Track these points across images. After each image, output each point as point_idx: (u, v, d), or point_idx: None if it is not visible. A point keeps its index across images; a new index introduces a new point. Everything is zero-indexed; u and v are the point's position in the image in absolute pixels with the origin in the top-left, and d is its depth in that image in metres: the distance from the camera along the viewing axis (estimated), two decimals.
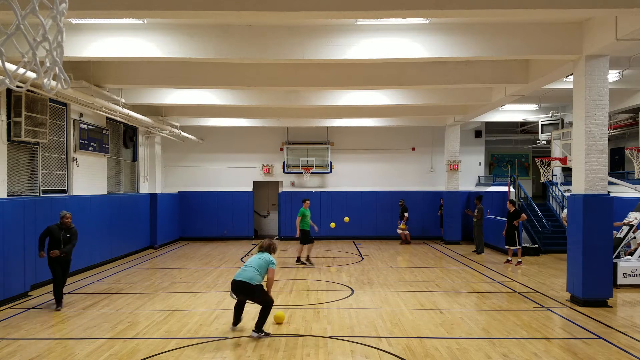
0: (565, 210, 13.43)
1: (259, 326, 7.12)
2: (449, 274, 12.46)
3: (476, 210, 16.11)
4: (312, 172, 20.28)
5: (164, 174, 20.12)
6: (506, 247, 14.13)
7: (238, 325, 7.60)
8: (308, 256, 14.02)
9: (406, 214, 18.80)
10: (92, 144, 13.31)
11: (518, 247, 13.86)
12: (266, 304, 7.16)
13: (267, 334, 7.14)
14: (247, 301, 7.44)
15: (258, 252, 7.54)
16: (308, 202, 14.39)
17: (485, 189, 19.47)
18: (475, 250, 16.29)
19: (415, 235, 19.97)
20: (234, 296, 7.57)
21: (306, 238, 13.85)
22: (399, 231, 19.10)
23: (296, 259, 14.15)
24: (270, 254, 7.52)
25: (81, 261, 12.57)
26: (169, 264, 14.26)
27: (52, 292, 9.01)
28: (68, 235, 9.04)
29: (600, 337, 7.13)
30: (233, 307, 7.59)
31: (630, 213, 11.55)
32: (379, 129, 20.24)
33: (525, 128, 20.97)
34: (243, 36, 8.86)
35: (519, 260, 13.76)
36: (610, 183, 11.33)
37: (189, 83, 11.44)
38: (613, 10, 7.00)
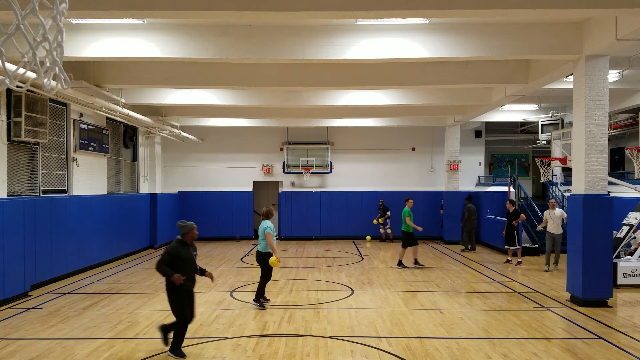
0: (546, 213, 13.10)
1: (258, 296, 8.85)
2: (449, 274, 12.46)
3: (464, 210, 16.83)
4: (312, 172, 20.27)
5: (164, 174, 20.12)
6: (506, 247, 14.13)
7: (238, 326, 7.59)
8: (416, 259, 13.37)
9: (388, 213, 19.10)
10: (92, 144, 13.31)
11: (518, 247, 13.86)
12: (265, 275, 8.83)
13: (267, 300, 9.02)
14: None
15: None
16: (411, 201, 13.60)
17: (485, 189, 19.48)
18: (465, 249, 16.95)
19: (415, 235, 19.93)
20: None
21: (411, 240, 13.26)
22: (381, 230, 19.42)
23: (397, 262, 13.47)
24: (268, 219, 8.86)
25: (81, 261, 12.58)
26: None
27: (173, 340, 6.34)
28: (195, 253, 6.68)
29: (600, 337, 7.13)
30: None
31: (630, 213, 11.55)
32: (379, 129, 20.24)
33: (525, 128, 20.97)
34: (243, 36, 8.86)
35: (519, 260, 13.77)
36: (610, 183, 11.32)
37: (189, 83, 11.44)
38: (613, 10, 7.00)
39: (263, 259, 8.76)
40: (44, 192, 11.40)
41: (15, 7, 2.29)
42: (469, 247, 16.83)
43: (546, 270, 12.65)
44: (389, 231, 19.44)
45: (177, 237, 6.49)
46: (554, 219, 12.79)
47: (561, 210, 12.95)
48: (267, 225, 8.70)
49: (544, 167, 15.39)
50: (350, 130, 20.37)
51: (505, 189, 17.25)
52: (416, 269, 13.08)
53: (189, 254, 6.41)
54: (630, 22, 7.51)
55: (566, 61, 9.46)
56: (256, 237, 21.12)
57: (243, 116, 16.98)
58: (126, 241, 15.45)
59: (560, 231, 12.74)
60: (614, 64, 10.50)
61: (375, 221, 19.44)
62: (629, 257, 10.86)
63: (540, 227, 13.61)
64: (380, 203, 19.55)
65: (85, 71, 11.03)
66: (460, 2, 6.67)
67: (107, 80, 11.38)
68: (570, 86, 9.74)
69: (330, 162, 20.42)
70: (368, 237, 19.91)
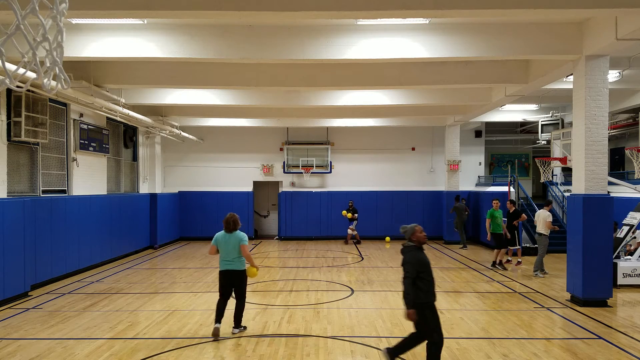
0: (538, 213, 12.63)
1: (239, 322, 7.33)
2: (449, 274, 12.46)
3: (451, 209, 17.80)
4: (312, 172, 20.27)
5: (164, 174, 20.12)
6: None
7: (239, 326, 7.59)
8: (501, 261, 13.15)
9: (356, 215, 18.76)
10: (92, 144, 13.31)
11: (518, 247, 13.85)
12: (244, 296, 7.33)
13: (245, 328, 7.46)
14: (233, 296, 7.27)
15: (225, 232, 7.25)
16: (497, 202, 13.39)
17: (485, 189, 19.48)
18: (463, 247, 17.63)
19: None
20: (221, 290, 7.26)
21: (500, 241, 13.11)
22: (349, 232, 18.98)
23: (492, 263, 13.30)
24: (236, 229, 7.30)
25: (81, 261, 12.58)
26: (169, 264, 14.26)
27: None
28: None
29: (600, 337, 7.13)
30: (216, 306, 7.21)
31: (630, 213, 11.55)
32: (379, 129, 20.24)
33: (525, 128, 20.97)
34: (243, 36, 8.86)
35: (519, 260, 13.76)
36: (610, 183, 11.32)
37: (189, 83, 11.44)
38: (613, 10, 7.00)
39: (242, 277, 7.26)
40: (44, 192, 11.41)
41: (15, 7, 2.29)
42: (464, 244, 17.71)
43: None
44: (354, 232, 18.95)
45: (406, 244, 5.83)
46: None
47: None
48: (244, 237, 7.25)
49: (544, 167, 15.40)
50: (350, 130, 20.36)
51: (505, 189, 17.25)
52: (497, 270, 12.95)
53: (428, 259, 5.70)
54: (630, 22, 7.51)
55: (566, 61, 9.46)
56: (256, 237, 21.45)
57: (243, 116, 16.99)
58: (126, 241, 15.45)
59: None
60: (614, 64, 10.50)
61: (344, 212, 18.90)
62: (629, 257, 10.86)
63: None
64: (350, 204, 18.98)
65: (85, 71, 11.03)
66: (460, 2, 6.67)
67: (107, 80, 11.38)
68: (570, 86, 9.74)
69: (330, 162, 20.42)
70: (387, 238, 19.76)
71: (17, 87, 2.96)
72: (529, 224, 16.35)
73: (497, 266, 13.16)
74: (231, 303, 7.32)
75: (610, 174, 12.22)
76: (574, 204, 9.16)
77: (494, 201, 13.43)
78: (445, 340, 6.95)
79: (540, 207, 15.94)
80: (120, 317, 8.30)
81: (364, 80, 11.20)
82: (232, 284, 7.20)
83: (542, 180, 16.47)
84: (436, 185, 20.60)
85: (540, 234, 12.13)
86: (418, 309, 5.43)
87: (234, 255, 7.12)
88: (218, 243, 7.28)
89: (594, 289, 8.89)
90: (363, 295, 9.93)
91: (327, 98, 14.03)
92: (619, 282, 10.43)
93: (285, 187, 20.83)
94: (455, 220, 17.90)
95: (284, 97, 14.03)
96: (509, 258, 13.97)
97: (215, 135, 20.42)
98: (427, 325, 5.41)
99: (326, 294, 10.11)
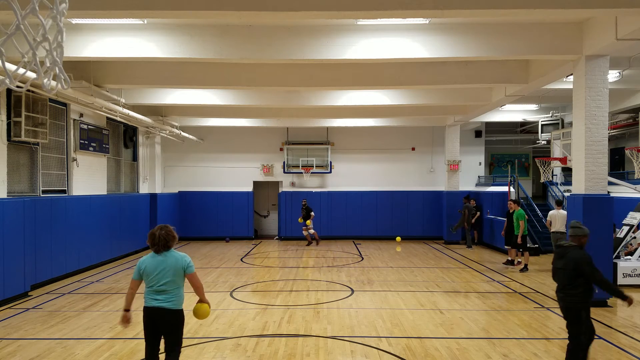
0: (551, 213, 13.17)
1: None
2: (449, 274, 12.46)
3: (464, 209, 17.79)
4: (312, 172, 20.27)
5: (164, 174, 20.12)
6: (506, 247, 14.11)
7: (238, 326, 7.58)
8: (512, 260, 13.30)
9: (312, 214, 18.40)
10: (92, 144, 13.31)
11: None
12: (178, 346, 4.96)
13: None
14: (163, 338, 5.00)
15: (153, 252, 5.10)
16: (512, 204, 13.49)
17: (485, 189, 19.48)
18: (469, 246, 17.69)
19: (415, 236, 20.00)
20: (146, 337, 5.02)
21: (525, 243, 13.12)
22: (304, 232, 18.61)
23: (510, 262, 13.50)
24: (173, 248, 5.05)
25: (81, 261, 12.58)
26: None
27: None
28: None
29: (600, 337, 7.13)
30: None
31: (630, 213, 11.55)
32: (379, 129, 20.24)
33: (525, 128, 20.97)
34: (243, 36, 8.86)
35: (519, 260, 13.74)
36: (610, 183, 11.31)
37: (189, 83, 11.44)
38: (613, 10, 7.00)
39: (178, 320, 4.90)
40: (44, 192, 11.40)
41: (15, 7, 2.29)
42: (467, 244, 17.70)
43: None
44: (312, 231, 18.57)
45: (567, 243, 5.57)
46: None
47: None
48: (188, 262, 5.01)
49: (544, 167, 15.39)
50: (350, 130, 20.36)
51: (505, 189, 17.26)
52: (504, 267, 13.27)
53: None
54: (630, 22, 7.51)
55: (566, 61, 9.46)
56: (256, 237, 21.45)
57: (243, 116, 16.99)
58: (126, 241, 15.45)
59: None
60: (614, 64, 10.49)
61: (300, 220, 18.74)
62: (629, 257, 10.86)
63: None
64: (303, 203, 18.51)
65: (85, 71, 11.03)
66: (460, 2, 6.66)
67: (107, 80, 11.38)
68: (570, 86, 9.74)
69: (330, 162, 20.42)
70: (398, 238, 19.60)
71: (17, 87, 2.96)
72: (529, 223, 16.33)
73: (513, 265, 13.35)
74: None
75: (610, 174, 12.21)
76: (574, 204, 9.16)
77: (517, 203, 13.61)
78: (445, 340, 6.98)
79: (542, 206, 15.98)
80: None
81: (364, 80, 11.20)
82: (161, 329, 4.88)
83: (542, 180, 16.47)
84: (436, 185, 20.59)
85: (562, 232, 12.44)
86: (576, 309, 5.44)
87: (166, 286, 4.87)
88: (144, 272, 5.04)
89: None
90: (363, 295, 9.93)
91: (327, 98, 14.03)
92: (619, 282, 10.43)
93: (285, 187, 20.83)
94: (460, 220, 17.94)
95: (283, 97, 14.03)
96: (509, 258, 13.95)
97: (215, 135, 20.42)
98: (579, 326, 5.43)
99: (326, 294, 10.11)
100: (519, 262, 13.68)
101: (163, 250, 5.00)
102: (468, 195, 18.42)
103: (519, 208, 13.49)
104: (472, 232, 18.07)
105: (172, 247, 5.03)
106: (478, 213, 18.15)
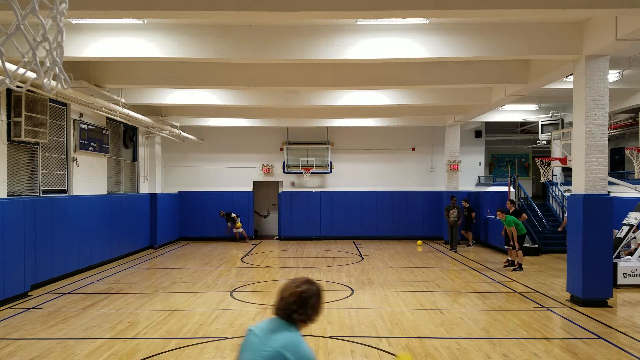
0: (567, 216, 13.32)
1: None
2: (449, 274, 12.46)
3: (465, 210, 17.79)
4: (312, 172, 20.27)
5: (164, 174, 20.12)
6: (506, 247, 14.11)
7: (238, 326, 7.58)
8: (513, 261, 13.33)
9: (233, 215, 19.29)
10: (92, 144, 13.31)
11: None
12: None
13: None
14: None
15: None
16: (522, 216, 13.91)
17: (485, 189, 19.48)
18: (467, 245, 17.88)
19: (415, 236, 20.00)
20: None
21: (522, 242, 13.21)
22: (235, 230, 19.45)
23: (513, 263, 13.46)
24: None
25: (81, 261, 12.58)
26: (169, 264, 14.26)
27: None
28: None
29: (600, 337, 7.13)
30: None
31: (630, 213, 11.55)
32: (379, 129, 20.25)
33: (525, 128, 20.97)
34: (243, 36, 8.86)
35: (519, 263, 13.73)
36: (610, 183, 11.33)
37: (189, 83, 11.44)
38: (613, 10, 6.99)
39: None
40: (44, 192, 11.41)
41: (15, 7, 2.29)
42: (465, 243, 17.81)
43: None
44: (241, 230, 19.48)
45: None
46: None
47: None
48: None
49: (544, 167, 15.39)
50: (350, 130, 20.36)
51: (505, 189, 17.26)
52: (505, 267, 13.30)
53: None
54: (630, 22, 7.52)
55: (566, 61, 9.46)
56: (256, 237, 21.48)
57: (243, 116, 16.99)
58: (126, 241, 15.45)
59: None
60: (614, 64, 10.50)
61: (236, 228, 19.55)
62: (629, 257, 10.86)
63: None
64: (221, 214, 19.52)
65: (85, 71, 11.03)
66: (460, 2, 6.66)
67: (107, 80, 11.38)
68: (570, 86, 9.74)
69: (330, 162, 20.42)
70: (419, 242, 18.94)
71: (17, 87, 2.96)
72: (529, 223, 16.35)
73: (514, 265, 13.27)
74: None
75: (610, 174, 12.23)
76: (574, 204, 9.16)
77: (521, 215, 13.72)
78: (445, 340, 6.98)
79: (542, 206, 16.00)
80: (120, 317, 8.30)
81: (364, 80, 11.20)
82: None
83: (542, 180, 16.47)
84: (436, 185, 20.60)
85: None
86: None
87: None
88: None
89: (594, 289, 8.89)
90: (363, 295, 9.93)
91: (327, 98, 14.03)
92: (619, 282, 10.43)
93: (285, 187, 20.83)
94: (465, 219, 17.90)
95: (284, 97, 14.03)
96: (509, 258, 13.95)
97: (215, 135, 20.42)
98: None
99: (326, 294, 10.08)
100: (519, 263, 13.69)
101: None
102: (452, 195, 18.02)
103: (511, 211, 13.53)
104: (460, 233, 17.86)
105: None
106: (473, 214, 18.08)
